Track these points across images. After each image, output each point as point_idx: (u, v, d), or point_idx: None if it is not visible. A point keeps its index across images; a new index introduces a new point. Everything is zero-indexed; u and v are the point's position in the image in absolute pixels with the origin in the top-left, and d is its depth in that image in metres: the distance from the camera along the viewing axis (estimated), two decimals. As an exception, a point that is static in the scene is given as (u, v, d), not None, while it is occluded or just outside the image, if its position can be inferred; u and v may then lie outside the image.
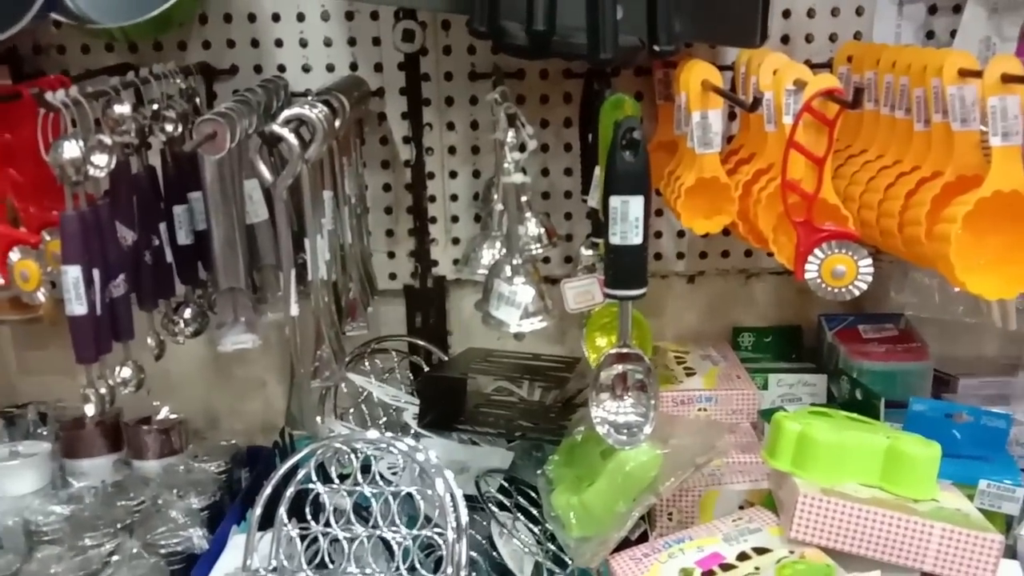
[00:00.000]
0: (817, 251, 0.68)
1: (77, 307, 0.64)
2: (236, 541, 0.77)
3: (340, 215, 0.83)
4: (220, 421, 1.06)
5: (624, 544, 0.72)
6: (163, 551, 0.78)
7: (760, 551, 0.67)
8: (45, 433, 0.92)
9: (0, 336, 1.04)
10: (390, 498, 0.70)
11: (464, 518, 0.69)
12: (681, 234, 1.01)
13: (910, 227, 0.66)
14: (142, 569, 0.73)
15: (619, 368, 0.69)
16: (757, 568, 0.64)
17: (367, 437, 0.66)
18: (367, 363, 0.98)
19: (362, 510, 0.74)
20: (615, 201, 0.63)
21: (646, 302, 0.84)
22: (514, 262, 0.70)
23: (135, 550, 0.75)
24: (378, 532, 0.69)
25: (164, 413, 0.92)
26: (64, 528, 0.80)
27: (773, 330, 1.04)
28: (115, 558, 0.73)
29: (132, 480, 0.89)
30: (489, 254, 0.78)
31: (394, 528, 0.70)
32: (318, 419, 0.85)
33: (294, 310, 0.67)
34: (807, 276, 0.69)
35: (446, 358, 1.01)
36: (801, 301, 1.05)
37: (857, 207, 0.72)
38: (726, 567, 0.66)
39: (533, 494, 0.84)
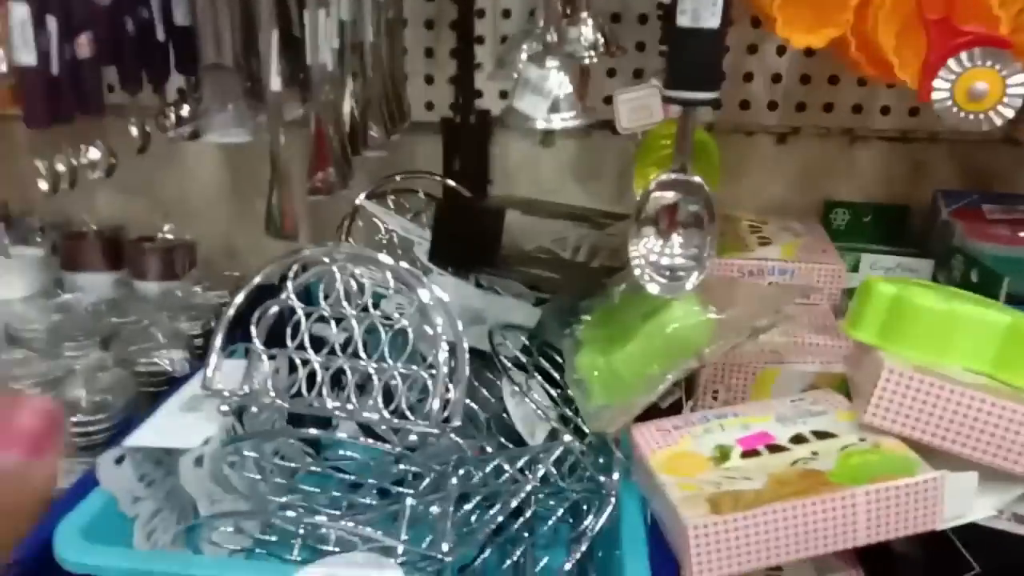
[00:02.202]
0: (952, 62, 0.51)
1: (24, 55, 0.54)
2: (221, 365, 0.68)
3: (361, 6, 0.70)
4: (239, 255, 0.98)
5: (652, 413, 0.59)
6: (139, 368, 0.70)
7: (821, 435, 0.53)
8: (40, 240, 0.86)
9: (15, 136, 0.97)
10: (381, 331, 0.59)
11: (464, 358, 0.57)
12: (777, 78, 0.84)
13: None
14: (106, 381, 0.65)
15: (668, 196, 0.55)
16: (815, 453, 0.51)
17: (360, 254, 0.54)
18: (390, 202, 0.86)
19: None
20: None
21: (722, 164, 0.70)
22: (549, 39, 0.55)
23: (106, 362, 0.67)
24: (361, 364, 0.58)
25: (168, 232, 0.83)
26: (44, 336, 0.74)
27: (875, 207, 0.87)
28: (78, 366, 0.65)
29: (128, 299, 0.81)
30: (525, 53, 0.64)
31: (382, 362, 0.59)
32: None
33: (275, 82, 0.55)
34: (935, 96, 0.52)
35: (482, 204, 0.89)
36: (914, 175, 0.87)
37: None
38: (774, 448, 0.52)
39: (557, 358, 0.72)
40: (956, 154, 0.85)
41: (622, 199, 0.90)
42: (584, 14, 0.64)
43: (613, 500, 0.53)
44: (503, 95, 0.87)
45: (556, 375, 0.70)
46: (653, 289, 0.55)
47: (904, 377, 0.50)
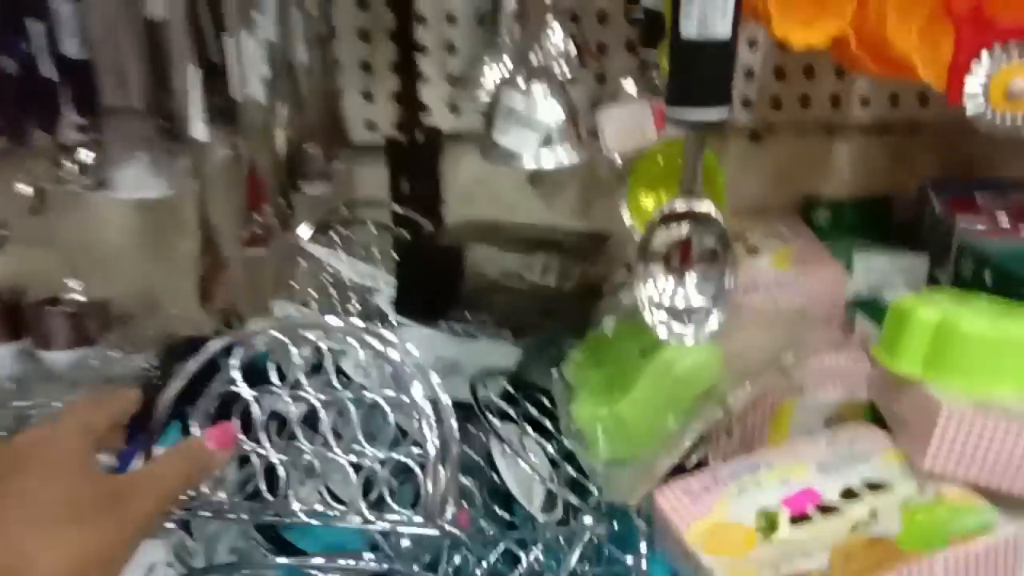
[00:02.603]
0: (985, 56, 0.45)
1: None
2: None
3: (288, 24, 0.60)
4: (162, 308, 0.86)
5: (673, 470, 0.52)
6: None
7: (874, 487, 0.47)
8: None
9: None
10: (350, 407, 0.50)
11: (453, 432, 0.48)
12: (749, 74, 0.77)
13: None
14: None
15: (680, 230, 0.47)
16: (874, 513, 0.45)
17: (313, 321, 0.45)
18: (336, 236, 0.76)
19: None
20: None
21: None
22: (532, 63, 0.47)
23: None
24: (331, 454, 0.48)
25: (75, 291, 0.72)
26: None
27: (856, 202, 0.82)
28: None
29: (33, 375, 0.70)
30: (495, 72, 0.55)
31: (356, 446, 0.50)
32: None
33: (201, 133, 0.45)
34: (967, 96, 0.46)
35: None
36: (895, 166, 0.82)
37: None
38: (826, 510, 0.46)
39: (546, 402, 0.64)
40: (936, 143, 0.81)
41: (588, 213, 0.83)
42: (550, 17, 0.55)
43: (648, 588, 0.46)
44: (453, 109, 0.79)
45: (548, 424, 0.62)
46: (669, 339, 0.48)
47: (964, 419, 0.44)
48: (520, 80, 0.46)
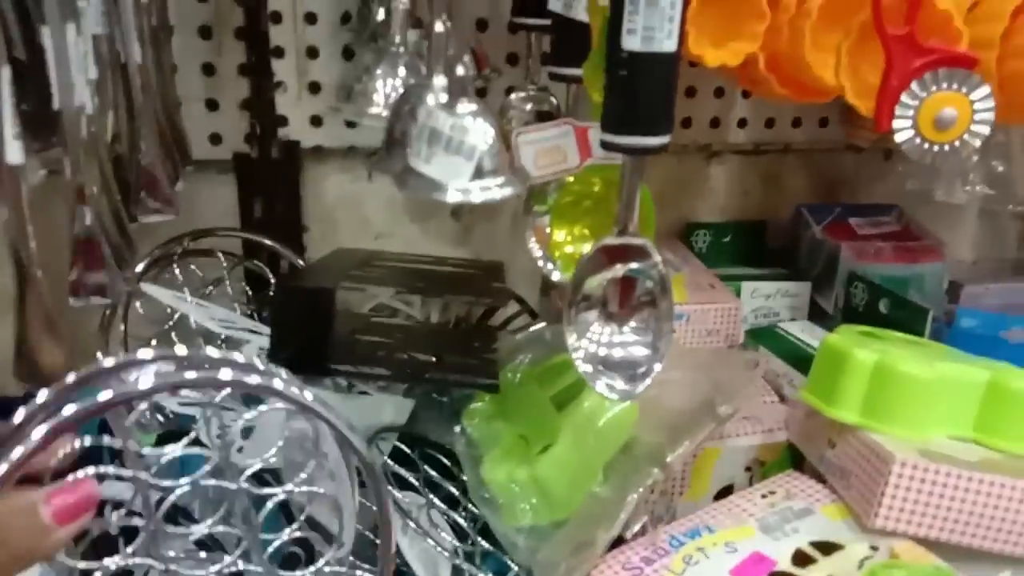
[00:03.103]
0: (915, 86, 0.44)
1: None
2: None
3: (118, 13, 0.48)
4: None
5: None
6: None
7: (824, 548, 0.44)
8: None
9: None
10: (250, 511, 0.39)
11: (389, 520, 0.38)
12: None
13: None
14: None
15: (618, 270, 0.42)
16: (832, 579, 0.41)
17: (174, 375, 0.32)
18: (178, 271, 0.64)
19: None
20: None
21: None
22: (455, 76, 0.39)
23: None
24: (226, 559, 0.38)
25: None
26: None
27: (733, 226, 0.81)
28: None
29: None
30: (387, 84, 0.47)
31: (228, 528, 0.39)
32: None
33: (13, 154, 0.33)
34: (897, 127, 0.44)
35: (302, 263, 0.70)
36: (768, 188, 0.82)
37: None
38: (783, 579, 0.42)
39: (446, 461, 0.56)
40: (806, 164, 0.82)
41: (466, 241, 0.76)
42: (441, 21, 0.48)
43: None
44: (315, 121, 0.69)
45: (450, 487, 0.54)
46: (612, 396, 0.42)
47: (916, 471, 0.42)
48: (442, 95, 0.38)
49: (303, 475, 0.36)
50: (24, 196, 0.35)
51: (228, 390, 0.34)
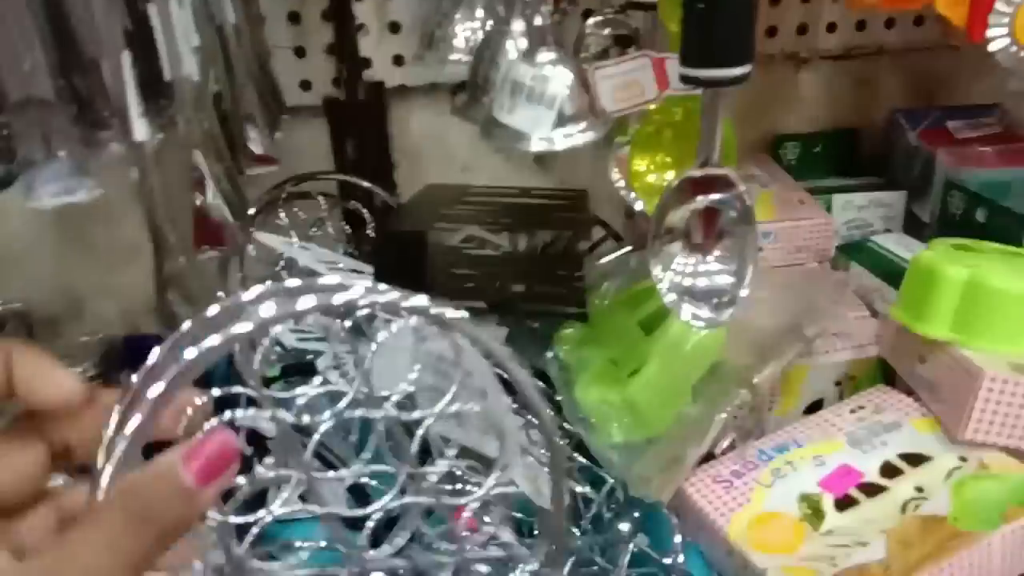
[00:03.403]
0: (1013, -10, 0.42)
1: None
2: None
3: (212, -23, 0.51)
4: (85, 306, 0.77)
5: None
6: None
7: (912, 459, 0.45)
8: None
9: None
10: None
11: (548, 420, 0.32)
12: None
13: None
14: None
15: (701, 202, 0.43)
16: (920, 488, 0.43)
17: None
18: (283, 215, 0.69)
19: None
20: None
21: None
22: (536, 24, 0.40)
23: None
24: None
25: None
26: None
27: (823, 136, 0.79)
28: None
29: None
30: (467, 28, 0.48)
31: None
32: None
33: (140, 131, 0.37)
34: (991, 36, 0.43)
35: (394, 199, 0.73)
36: (859, 94, 0.79)
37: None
38: (870, 489, 0.44)
39: (540, 383, 0.60)
40: (900, 66, 0.78)
41: (550, 169, 0.78)
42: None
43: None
44: (397, 61, 0.71)
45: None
46: (696, 324, 0.44)
47: (1007, 384, 0.42)
48: (522, 43, 0.39)
49: (448, 397, 0.33)
50: (150, 164, 0.39)
51: (364, 311, 0.30)
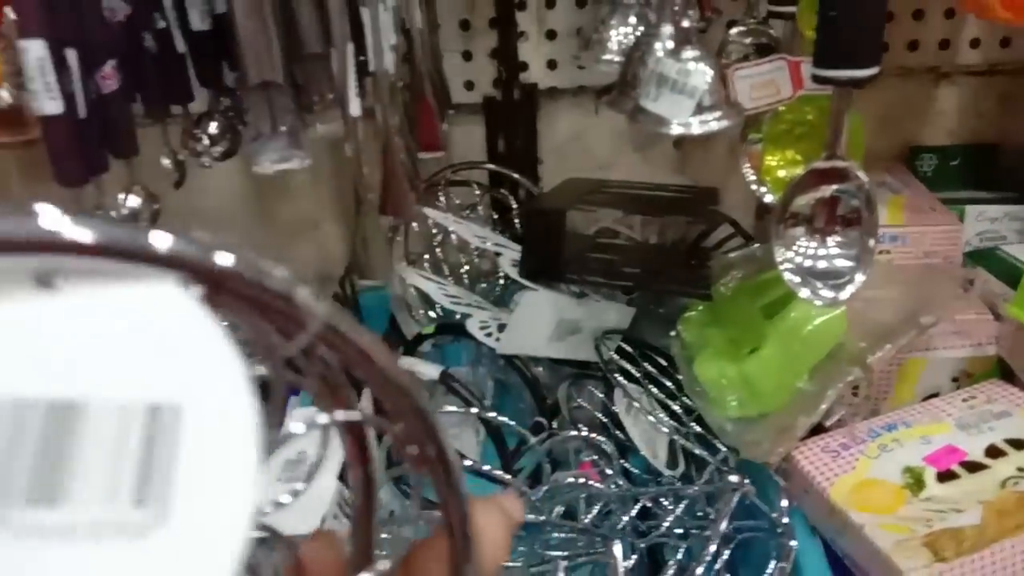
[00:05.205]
0: None
1: (47, 102, 0.44)
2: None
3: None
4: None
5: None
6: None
7: (1017, 444, 0.47)
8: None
9: (4, 168, 0.86)
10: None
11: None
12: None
13: None
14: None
15: (825, 190, 0.48)
16: (1022, 470, 0.45)
17: None
18: (442, 197, 0.78)
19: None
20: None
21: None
22: (682, 26, 0.46)
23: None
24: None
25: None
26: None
27: (962, 149, 0.80)
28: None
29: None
30: (620, 33, 0.55)
31: None
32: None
33: (355, 107, 0.46)
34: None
35: (537, 191, 0.80)
36: (1002, 110, 0.80)
37: None
38: (972, 466, 0.47)
39: (661, 360, 0.65)
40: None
41: (683, 168, 0.83)
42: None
43: (794, 544, 0.48)
44: (551, 65, 0.79)
45: (667, 382, 0.64)
46: (814, 301, 0.48)
47: (1120, 377, 0.44)
48: (669, 42, 0.46)
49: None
50: (360, 137, 0.48)
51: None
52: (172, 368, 0.12)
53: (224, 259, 0.13)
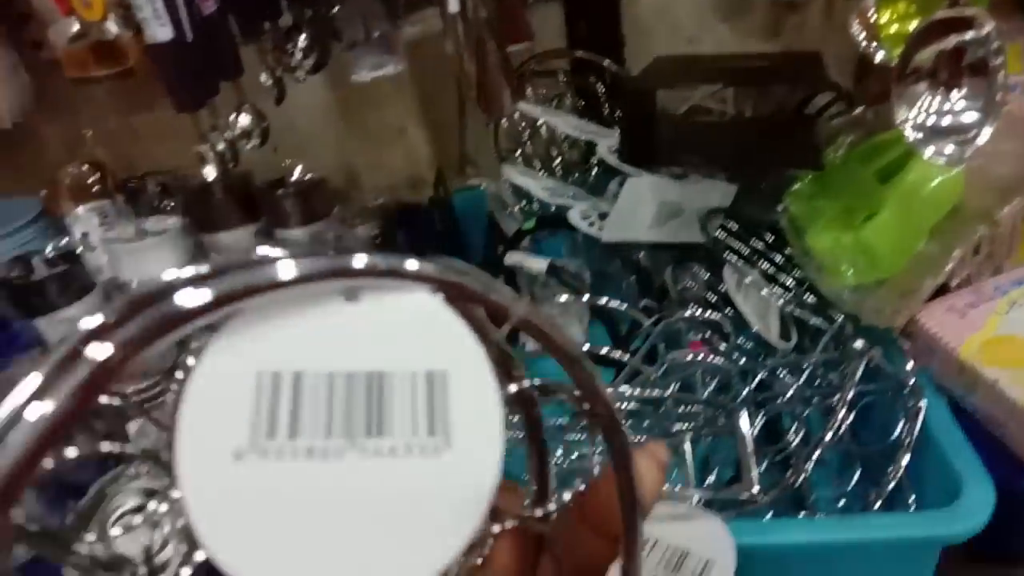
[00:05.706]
0: None
1: (158, 29, 0.45)
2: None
3: None
4: (360, 179, 0.91)
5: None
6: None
7: None
8: (171, 207, 0.79)
9: (100, 100, 0.88)
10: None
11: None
12: None
13: None
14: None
15: (949, 41, 0.45)
16: None
17: None
18: (529, 88, 0.77)
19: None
20: None
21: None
22: None
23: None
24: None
25: (299, 173, 0.76)
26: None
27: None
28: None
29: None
30: None
31: None
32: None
33: (453, 4, 0.45)
34: None
35: (624, 74, 0.78)
36: None
37: None
38: (1112, 317, 0.46)
39: (767, 236, 0.65)
40: None
41: (779, 33, 0.79)
42: None
43: (924, 403, 0.48)
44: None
45: (776, 257, 0.63)
46: (937, 160, 0.47)
47: None
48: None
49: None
50: (461, 32, 0.48)
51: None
52: (436, 347, 0.18)
53: (454, 275, 0.18)
